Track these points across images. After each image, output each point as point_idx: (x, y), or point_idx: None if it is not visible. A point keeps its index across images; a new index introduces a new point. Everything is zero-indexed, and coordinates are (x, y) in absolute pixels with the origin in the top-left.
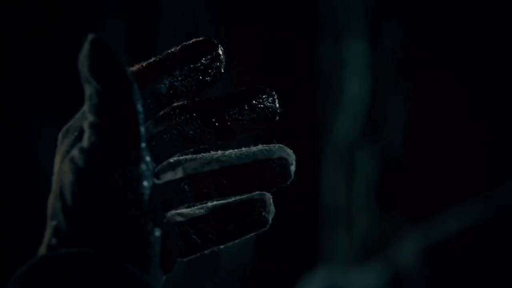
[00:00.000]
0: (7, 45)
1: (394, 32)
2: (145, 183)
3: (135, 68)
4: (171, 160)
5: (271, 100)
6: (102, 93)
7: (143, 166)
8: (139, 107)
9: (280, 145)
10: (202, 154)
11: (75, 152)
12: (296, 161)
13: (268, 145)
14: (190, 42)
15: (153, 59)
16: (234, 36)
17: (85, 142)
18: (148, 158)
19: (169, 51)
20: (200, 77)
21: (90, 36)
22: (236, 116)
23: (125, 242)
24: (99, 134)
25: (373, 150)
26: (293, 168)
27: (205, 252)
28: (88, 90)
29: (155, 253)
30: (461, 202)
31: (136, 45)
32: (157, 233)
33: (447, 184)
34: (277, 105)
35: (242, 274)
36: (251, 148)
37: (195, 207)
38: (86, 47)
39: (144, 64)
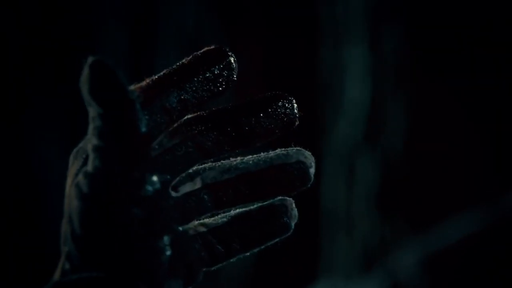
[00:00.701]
0: (7, 45)
1: (394, 35)
2: (152, 204)
3: (144, 82)
4: (190, 170)
5: (289, 106)
6: (104, 116)
7: (148, 187)
8: (142, 128)
9: (298, 148)
10: (221, 162)
11: (80, 177)
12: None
13: (286, 149)
14: (201, 52)
15: (163, 72)
16: (234, 39)
17: (89, 167)
18: (154, 178)
19: (179, 63)
20: (212, 87)
21: (90, 59)
22: (253, 124)
23: (135, 264)
24: (102, 158)
25: (373, 154)
26: (312, 170)
27: (231, 260)
28: (91, 112)
29: (166, 272)
30: (462, 207)
31: (136, 45)
32: (168, 252)
33: (448, 189)
34: (296, 110)
35: (242, 280)
36: (269, 153)
37: (218, 216)
38: (85, 70)
39: (154, 78)
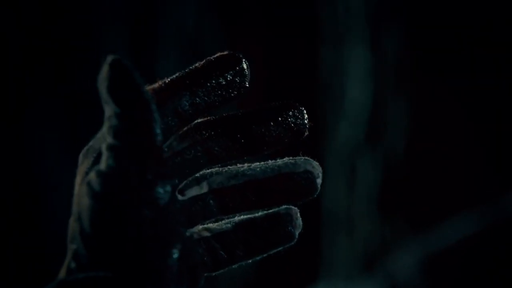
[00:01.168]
0: (7, 45)
1: (395, 36)
2: (162, 206)
3: (157, 84)
4: (197, 174)
5: (299, 115)
6: (120, 115)
7: (160, 189)
8: (157, 130)
9: (306, 157)
10: (228, 167)
11: (92, 176)
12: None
13: (293, 158)
14: (214, 57)
15: (176, 74)
16: (234, 40)
17: (102, 165)
18: (166, 180)
19: (192, 67)
20: (224, 92)
21: (110, 58)
22: (263, 132)
23: (142, 265)
24: (116, 157)
25: (374, 155)
26: (319, 181)
27: (233, 266)
28: (107, 111)
29: (173, 274)
30: (463, 208)
31: (136, 45)
32: (175, 255)
33: (448, 190)
34: (306, 120)
35: (243, 281)
36: (277, 161)
37: (222, 222)
38: (105, 68)
39: (166, 80)
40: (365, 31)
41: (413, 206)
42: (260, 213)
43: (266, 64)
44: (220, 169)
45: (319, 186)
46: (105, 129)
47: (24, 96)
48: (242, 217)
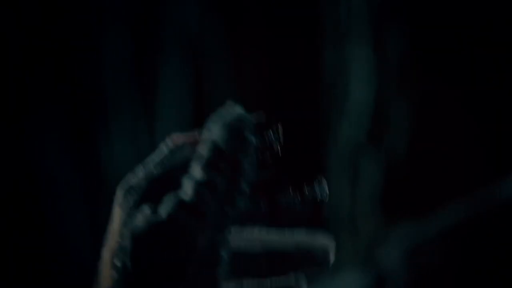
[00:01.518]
0: (7, 45)
1: (398, 36)
2: (224, 253)
3: (193, 133)
4: None
5: (321, 190)
6: (225, 155)
7: (226, 236)
8: (244, 183)
9: (323, 231)
10: (246, 230)
11: (169, 204)
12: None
13: (311, 230)
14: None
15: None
16: (236, 40)
17: (185, 196)
18: (230, 228)
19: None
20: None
21: (256, 115)
22: (285, 202)
23: None
24: (203, 193)
25: (377, 155)
26: (332, 255)
27: None
28: (209, 145)
29: None
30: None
31: (137, 45)
32: None
33: (451, 190)
34: (327, 194)
35: None
36: (294, 231)
37: (230, 284)
38: (248, 117)
39: (198, 132)
40: (367, 31)
41: (416, 207)
42: (268, 281)
43: (268, 65)
44: (238, 231)
45: (331, 262)
46: (198, 163)
47: (24, 96)
48: (250, 282)
